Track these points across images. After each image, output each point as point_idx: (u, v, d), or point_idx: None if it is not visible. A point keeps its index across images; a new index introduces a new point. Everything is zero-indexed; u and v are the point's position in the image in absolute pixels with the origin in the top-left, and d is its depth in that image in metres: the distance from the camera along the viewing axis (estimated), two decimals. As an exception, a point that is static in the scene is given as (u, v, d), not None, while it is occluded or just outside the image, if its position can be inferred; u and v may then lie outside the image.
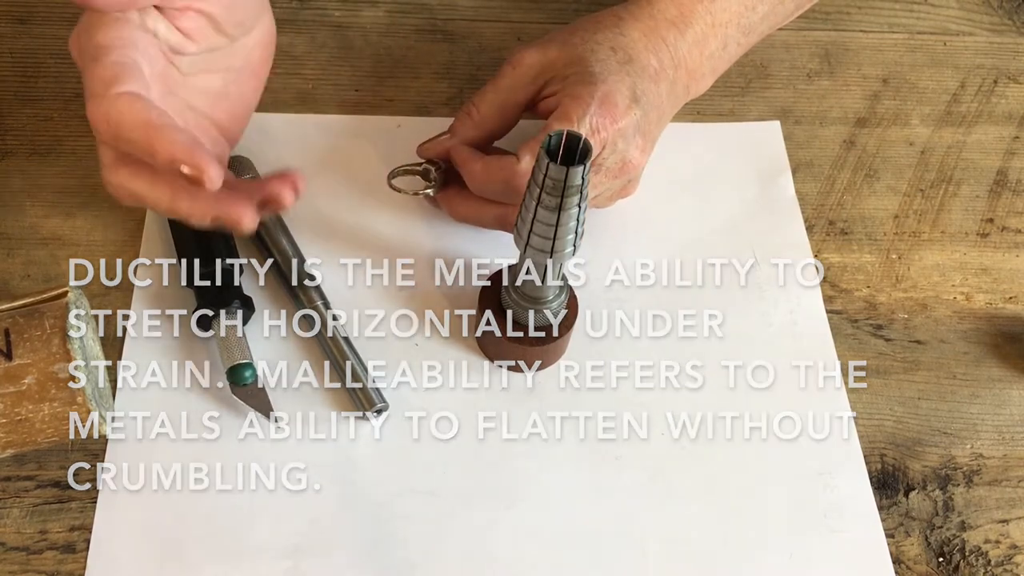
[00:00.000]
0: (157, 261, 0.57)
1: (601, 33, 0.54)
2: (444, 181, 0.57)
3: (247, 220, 0.45)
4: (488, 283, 0.54)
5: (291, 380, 0.53)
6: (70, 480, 0.50)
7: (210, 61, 0.50)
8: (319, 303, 0.55)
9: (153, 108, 0.43)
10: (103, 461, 0.50)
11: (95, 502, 0.49)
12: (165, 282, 0.56)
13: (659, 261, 0.60)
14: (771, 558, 0.50)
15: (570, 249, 0.47)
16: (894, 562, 0.51)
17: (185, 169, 0.42)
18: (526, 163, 0.51)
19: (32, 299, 0.48)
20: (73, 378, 0.46)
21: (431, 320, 0.56)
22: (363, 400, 0.52)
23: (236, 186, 0.47)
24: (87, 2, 0.44)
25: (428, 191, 0.56)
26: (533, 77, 0.54)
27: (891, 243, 0.62)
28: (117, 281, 0.56)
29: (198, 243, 0.54)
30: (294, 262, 0.56)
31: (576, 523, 0.51)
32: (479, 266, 0.58)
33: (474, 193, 0.55)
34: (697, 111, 0.66)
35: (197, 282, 0.54)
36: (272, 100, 0.61)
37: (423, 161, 0.57)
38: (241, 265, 0.56)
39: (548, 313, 0.52)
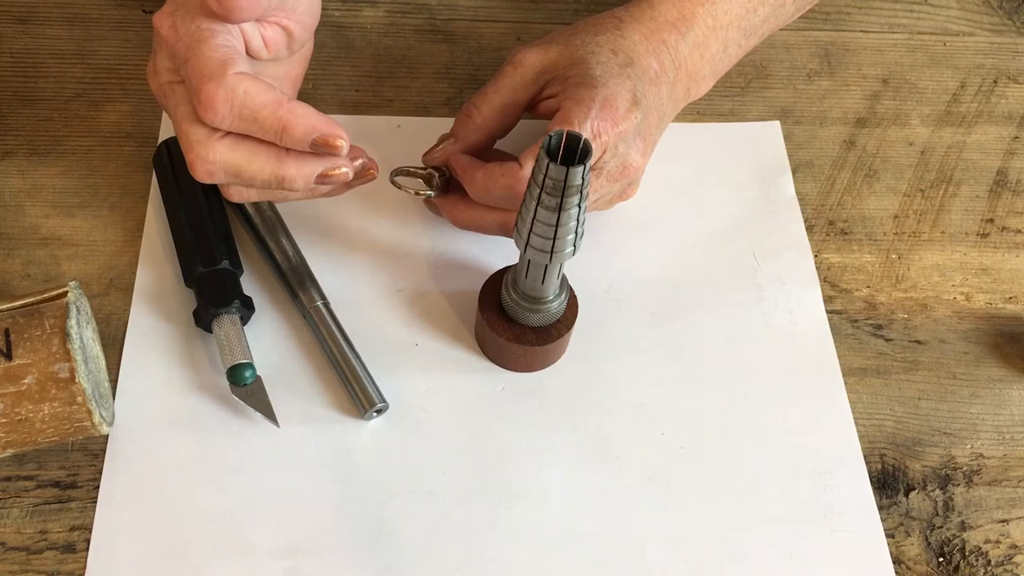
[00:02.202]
0: (157, 261, 0.57)
1: (602, 35, 0.54)
2: (446, 186, 0.56)
3: (347, 174, 0.48)
4: (488, 283, 0.54)
5: (291, 380, 0.54)
6: (70, 480, 0.50)
7: (264, 68, 0.51)
8: (319, 303, 0.55)
9: (271, 87, 0.45)
10: (103, 461, 0.50)
11: (95, 502, 0.49)
12: (165, 282, 0.56)
13: (659, 261, 0.60)
14: (771, 558, 0.50)
15: (570, 249, 0.47)
16: (894, 562, 0.51)
17: (321, 138, 0.45)
18: (528, 168, 0.51)
19: (32, 299, 0.48)
20: (73, 378, 0.46)
21: (431, 320, 0.56)
22: (363, 400, 0.52)
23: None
24: (227, 13, 0.46)
25: (429, 192, 0.56)
26: (534, 77, 0.54)
27: (891, 243, 0.62)
28: (117, 281, 0.56)
29: (198, 242, 0.54)
30: (294, 262, 0.56)
31: (576, 523, 0.51)
32: (479, 266, 0.58)
33: (476, 200, 0.55)
34: (697, 111, 0.66)
35: (197, 282, 0.54)
36: (272, 100, 0.61)
37: (428, 167, 0.57)
38: (241, 265, 0.56)
39: (548, 313, 0.52)
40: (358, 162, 0.50)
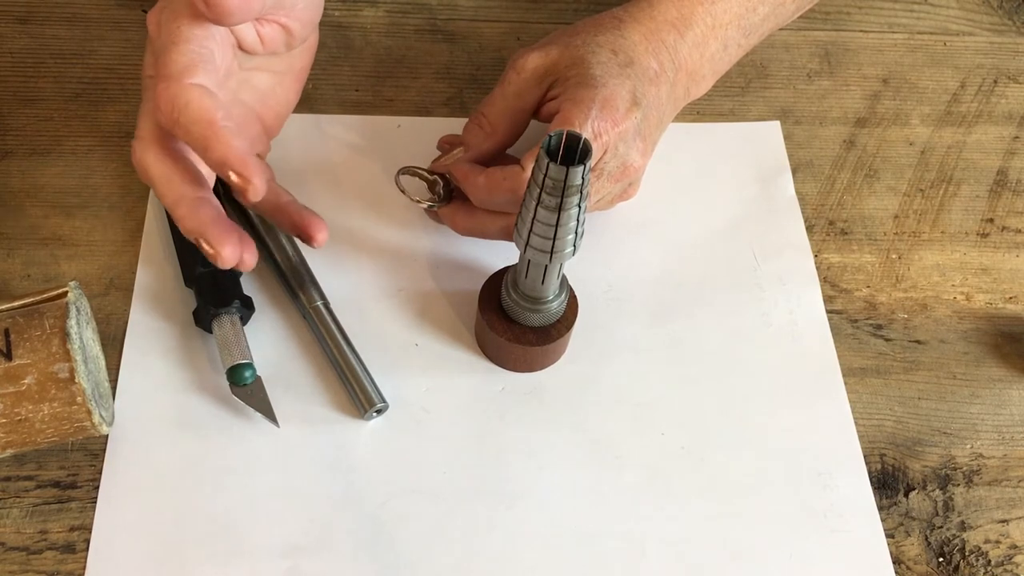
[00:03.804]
0: (157, 261, 0.57)
1: (602, 35, 0.54)
2: (449, 196, 0.56)
3: (227, 254, 0.46)
4: (488, 283, 0.54)
5: (291, 380, 0.54)
6: (70, 480, 0.50)
7: (265, 62, 0.52)
8: (319, 303, 0.55)
9: (220, 108, 0.45)
10: (103, 461, 0.50)
11: (95, 502, 0.49)
12: (165, 282, 0.56)
13: (659, 261, 0.60)
14: (771, 558, 0.50)
15: (570, 249, 0.47)
16: (894, 562, 0.51)
17: (233, 176, 0.44)
18: (530, 170, 0.51)
19: (32, 299, 0.48)
20: (73, 378, 0.46)
21: (431, 320, 0.56)
22: (363, 400, 0.52)
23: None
24: (217, 17, 0.45)
25: (432, 205, 0.56)
26: (538, 81, 0.54)
27: (891, 243, 0.62)
28: (117, 281, 0.56)
29: (198, 243, 0.55)
30: (294, 262, 0.56)
31: (576, 523, 0.51)
32: (479, 266, 0.58)
33: (478, 207, 0.55)
34: (697, 111, 0.66)
35: (197, 282, 0.54)
36: (272, 100, 0.61)
37: (434, 173, 0.57)
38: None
39: (548, 313, 0.52)
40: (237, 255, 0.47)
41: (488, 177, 0.53)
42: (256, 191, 0.44)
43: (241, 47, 0.49)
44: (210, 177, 0.50)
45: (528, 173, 0.51)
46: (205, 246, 0.46)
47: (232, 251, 0.46)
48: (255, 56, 0.50)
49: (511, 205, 0.52)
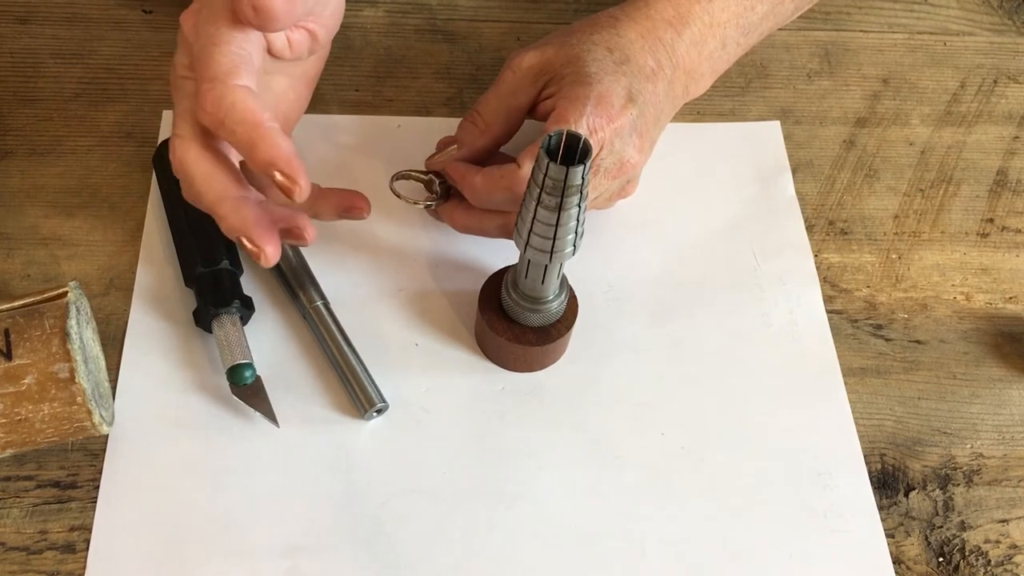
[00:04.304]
0: (157, 261, 0.57)
1: (598, 33, 0.55)
2: (447, 193, 0.56)
3: (270, 252, 0.46)
4: (488, 283, 0.54)
5: (291, 380, 0.54)
6: (70, 480, 0.50)
7: (284, 66, 0.51)
8: (319, 303, 0.55)
9: (266, 110, 0.45)
10: (103, 461, 0.50)
11: (95, 502, 0.49)
12: (165, 282, 0.56)
13: (659, 261, 0.60)
14: (771, 558, 0.50)
15: (570, 249, 0.47)
16: (894, 562, 0.51)
17: (279, 176, 0.44)
18: (527, 169, 0.51)
19: (32, 299, 0.48)
20: (73, 378, 0.46)
21: (431, 320, 0.56)
22: (363, 400, 0.52)
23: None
24: (263, 22, 0.46)
25: (430, 204, 0.56)
26: (533, 79, 0.54)
27: (891, 243, 0.62)
28: (117, 281, 0.56)
29: (198, 242, 0.54)
30: (294, 262, 0.56)
31: (576, 523, 0.51)
32: (479, 266, 0.58)
33: (479, 206, 0.55)
34: (697, 111, 0.66)
35: (197, 282, 0.54)
36: (272, 100, 0.61)
37: (429, 171, 0.57)
38: (241, 265, 0.56)
39: (548, 313, 0.52)
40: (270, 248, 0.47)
41: (485, 176, 0.53)
42: (302, 192, 0.44)
43: (269, 51, 0.49)
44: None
45: (524, 171, 0.51)
46: (248, 244, 0.46)
47: (274, 250, 0.46)
48: (278, 61, 0.50)
49: (508, 204, 0.53)
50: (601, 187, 0.54)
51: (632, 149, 0.53)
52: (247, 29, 0.47)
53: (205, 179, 0.47)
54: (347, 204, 0.50)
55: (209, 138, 0.47)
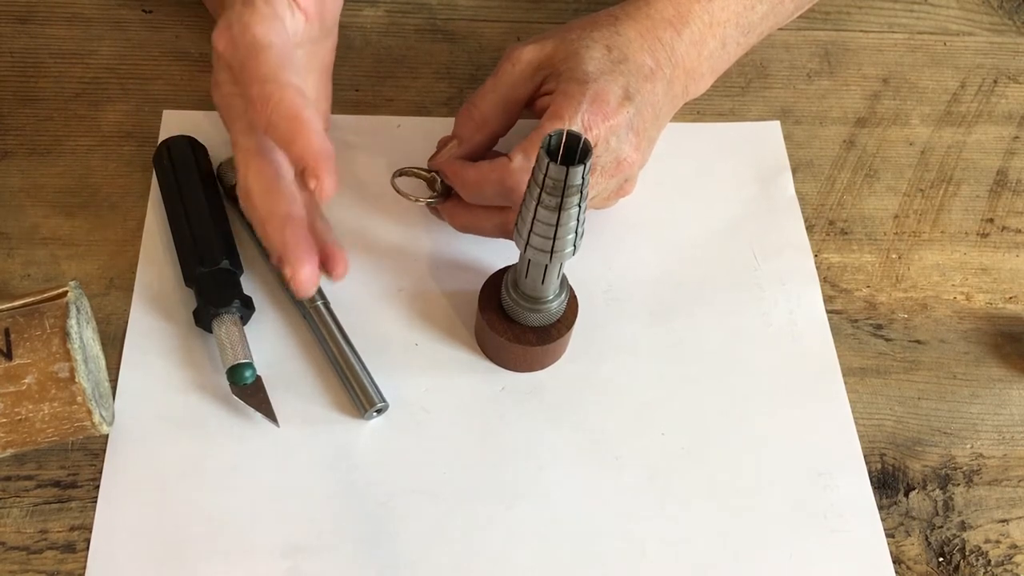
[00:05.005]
0: (157, 261, 0.57)
1: (597, 31, 0.55)
2: (448, 191, 0.56)
3: (302, 277, 0.46)
4: (488, 283, 0.54)
5: (291, 380, 0.53)
6: (70, 480, 0.50)
7: (305, 58, 0.52)
8: (319, 303, 0.55)
9: (310, 108, 0.46)
10: (103, 461, 0.50)
11: (95, 502, 0.49)
12: (165, 282, 0.56)
13: (659, 261, 0.60)
14: (771, 558, 0.50)
15: (570, 249, 0.47)
16: (894, 562, 0.51)
17: (306, 170, 0.44)
18: (518, 161, 0.51)
19: (32, 299, 0.48)
20: (73, 378, 0.46)
21: (431, 320, 0.56)
22: (363, 400, 0.52)
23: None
24: None
25: (431, 201, 0.56)
26: (531, 73, 0.54)
27: (891, 243, 0.62)
28: (117, 281, 0.56)
29: (198, 242, 0.54)
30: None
31: (576, 523, 0.51)
32: (479, 266, 0.58)
33: (472, 202, 0.55)
34: (697, 111, 0.66)
35: (197, 282, 0.54)
36: (272, 100, 0.61)
37: (431, 169, 0.57)
38: (241, 265, 0.56)
39: (548, 313, 0.52)
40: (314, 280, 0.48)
41: (476, 170, 0.53)
42: (324, 189, 0.45)
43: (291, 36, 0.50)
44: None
45: (516, 164, 0.51)
46: (284, 268, 0.46)
47: (308, 276, 0.46)
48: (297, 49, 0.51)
49: (501, 198, 0.52)
50: (599, 186, 0.54)
51: (628, 147, 0.53)
52: (283, 31, 0.48)
53: (261, 195, 0.47)
54: (325, 254, 0.49)
55: (269, 153, 0.48)
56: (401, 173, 0.57)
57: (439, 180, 0.56)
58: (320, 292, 0.55)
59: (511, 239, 0.54)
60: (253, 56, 0.46)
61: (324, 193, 0.44)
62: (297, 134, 0.44)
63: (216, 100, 0.51)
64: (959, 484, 0.54)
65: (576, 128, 0.50)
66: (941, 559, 0.51)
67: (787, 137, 0.66)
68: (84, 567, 0.48)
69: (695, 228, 0.61)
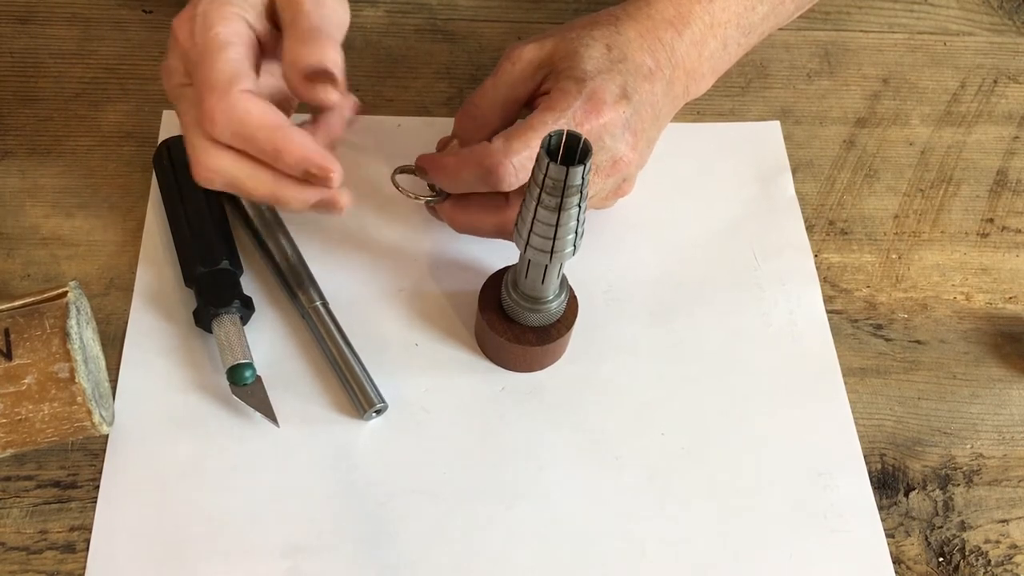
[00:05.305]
0: (157, 261, 0.57)
1: (598, 30, 0.55)
2: (447, 193, 0.56)
3: (345, 202, 0.48)
4: (488, 283, 0.54)
5: (291, 380, 0.53)
6: (70, 480, 0.50)
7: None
8: (319, 303, 0.55)
9: (274, 110, 0.45)
10: (103, 461, 0.50)
11: (95, 502, 0.49)
12: (165, 282, 0.56)
13: (659, 261, 0.60)
14: (771, 558, 0.50)
15: (570, 249, 0.47)
16: (894, 562, 0.51)
17: (313, 169, 0.45)
18: (498, 144, 0.51)
19: (32, 299, 0.48)
20: (73, 378, 0.46)
21: (431, 320, 0.56)
22: (363, 400, 0.52)
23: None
24: None
25: (431, 199, 0.56)
26: (531, 73, 0.54)
27: (891, 243, 0.62)
28: (117, 281, 0.56)
29: (198, 242, 0.55)
30: (293, 262, 0.56)
31: (576, 523, 0.51)
32: (479, 266, 0.58)
33: (454, 192, 0.54)
34: (697, 111, 0.66)
35: (197, 282, 0.54)
36: (272, 100, 0.61)
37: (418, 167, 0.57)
38: (241, 265, 0.56)
39: (548, 313, 0.52)
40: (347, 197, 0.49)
41: (455, 155, 0.53)
42: (338, 177, 0.45)
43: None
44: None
45: (495, 145, 0.51)
46: (323, 180, 0.46)
47: (348, 200, 0.48)
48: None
49: (480, 182, 0.52)
50: (596, 186, 0.54)
51: (625, 147, 0.53)
52: (244, 26, 0.47)
53: (251, 175, 0.47)
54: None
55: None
56: (402, 170, 0.57)
57: None
58: (319, 292, 0.55)
59: (510, 240, 0.54)
60: (208, 56, 0.46)
61: (339, 179, 0.46)
62: (285, 144, 0.45)
63: (166, 86, 0.50)
64: (959, 484, 0.54)
65: (567, 122, 0.50)
66: (941, 559, 0.51)
67: (787, 137, 0.66)
68: (84, 567, 0.48)
69: (695, 228, 0.61)
